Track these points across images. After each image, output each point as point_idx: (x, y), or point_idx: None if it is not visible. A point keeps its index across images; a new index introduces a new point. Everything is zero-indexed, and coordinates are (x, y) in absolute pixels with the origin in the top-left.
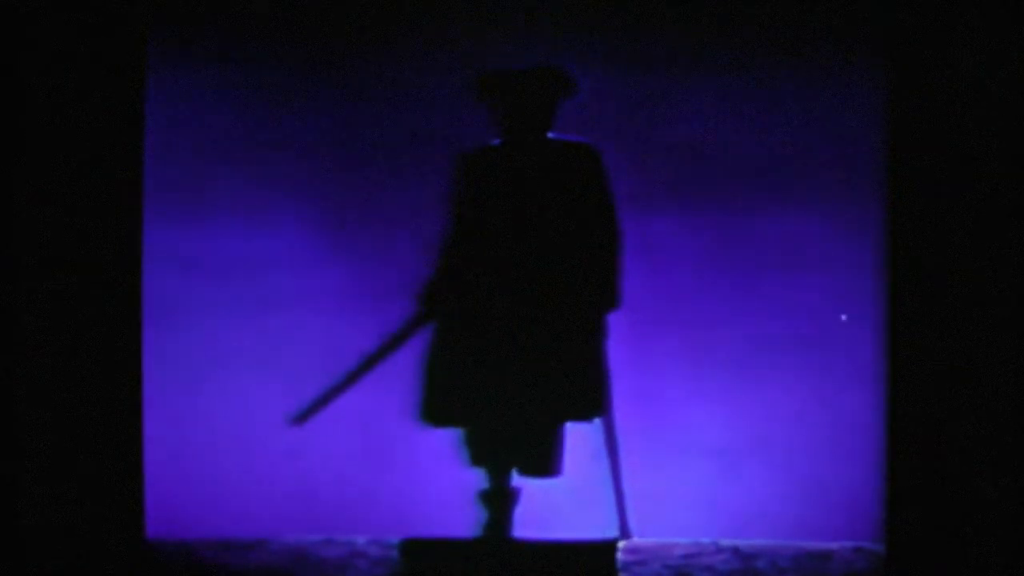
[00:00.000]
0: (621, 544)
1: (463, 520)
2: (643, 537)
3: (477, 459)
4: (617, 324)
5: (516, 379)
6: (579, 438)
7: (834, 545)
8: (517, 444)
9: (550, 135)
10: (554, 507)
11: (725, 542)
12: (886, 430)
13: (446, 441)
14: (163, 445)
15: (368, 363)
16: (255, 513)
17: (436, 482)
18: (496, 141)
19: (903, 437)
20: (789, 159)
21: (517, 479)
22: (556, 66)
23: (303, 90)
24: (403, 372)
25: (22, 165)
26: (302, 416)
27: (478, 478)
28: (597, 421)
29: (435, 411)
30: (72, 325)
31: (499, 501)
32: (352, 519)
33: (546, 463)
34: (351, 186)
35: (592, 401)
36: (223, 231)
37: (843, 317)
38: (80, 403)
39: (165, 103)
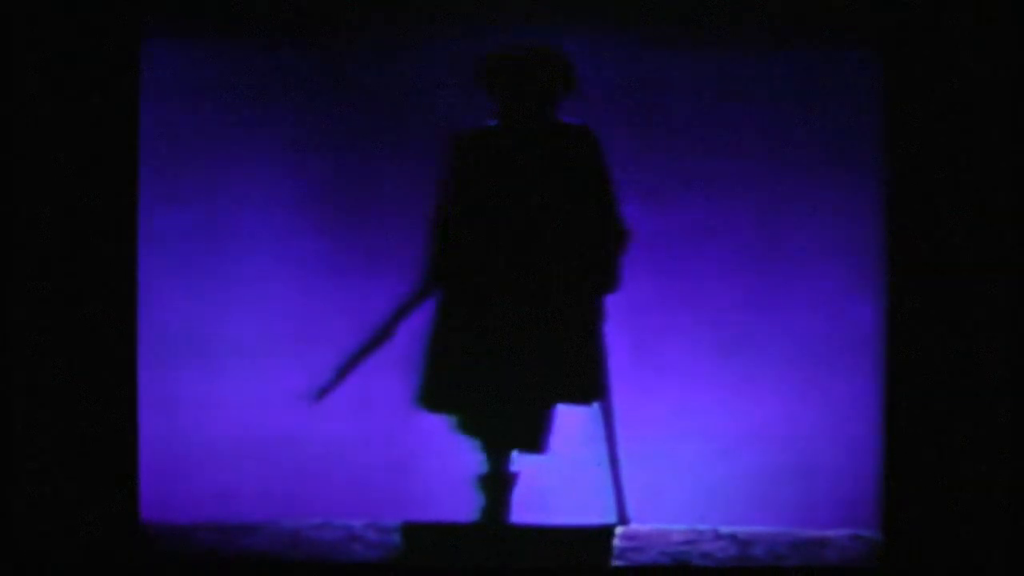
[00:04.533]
0: (619, 530)
1: (460, 504)
2: (641, 523)
3: (474, 444)
4: (615, 307)
5: (514, 362)
6: (576, 422)
7: (831, 532)
8: (514, 427)
9: (547, 118)
10: (552, 492)
11: (723, 529)
12: (884, 417)
13: (444, 425)
14: (157, 428)
15: (380, 335)
16: (250, 496)
17: (433, 466)
18: (491, 122)
19: (901, 424)
20: (787, 147)
21: (514, 464)
22: (553, 48)
23: (298, 78)
24: (401, 354)
25: (17, 160)
26: (322, 392)
27: (476, 462)
28: (594, 405)
29: (432, 396)
30: (66, 310)
31: (497, 485)
32: (349, 502)
33: (534, 439)
34: (347, 172)
35: (589, 385)
36: (219, 217)
37: None
38: (73, 387)
39: (160, 93)
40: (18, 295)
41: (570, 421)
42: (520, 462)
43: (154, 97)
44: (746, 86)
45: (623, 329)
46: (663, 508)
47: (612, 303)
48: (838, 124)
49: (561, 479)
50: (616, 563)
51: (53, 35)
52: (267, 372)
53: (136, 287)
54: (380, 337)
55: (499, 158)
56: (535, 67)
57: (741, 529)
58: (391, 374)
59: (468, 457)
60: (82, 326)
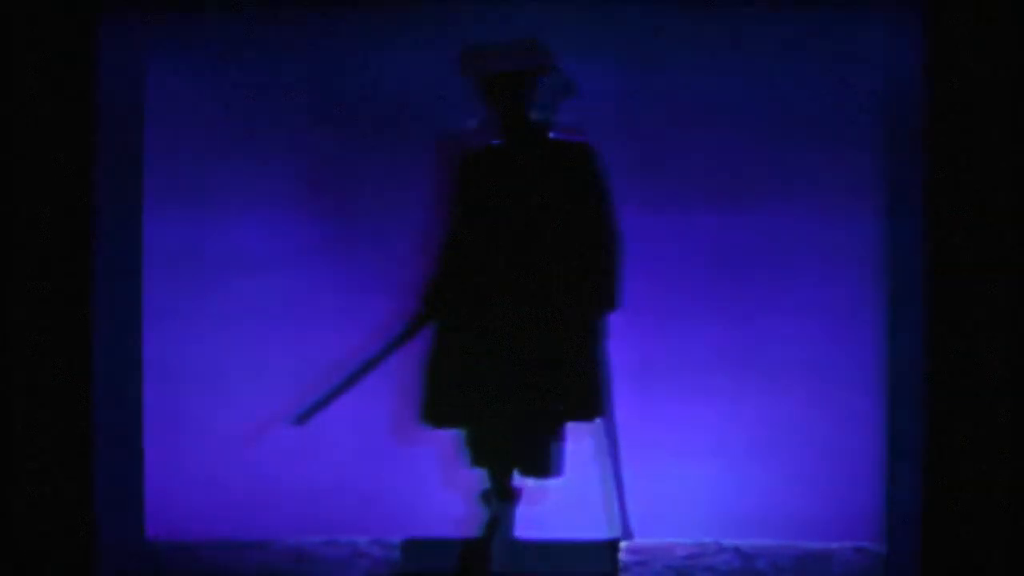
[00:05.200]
0: (623, 544)
1: (464, 520)
2: (645, 537)
3: (478, 460)
4: (617, 324)
5: (516, 380)
6: (580, 438)
7: (835, 545)
8: (518, 445)
9: (550, 135)
10: (555, 507)
11: (727, 542)
12: (887, 429)
13: (448, 441)
14: (163, 445)
15: (369, 364)
16: (256, 514)
17: (437, 482)
18: (496, 141)
19: (903, 437)
20: (789, 157)
21: (518, 479)
22: (531, 39)
23: (297, 87)
24: (405, 372)
25: (17, 160)
26: (303, 417)
27: (479, 478)
28: (598, 421)
29: (436, 412)
30: (71, 325)
31: (500, 501)
32: (354, 520)
33: (547, 464)
34: (347, 186)
35: (592, 401)
36: (222, 230)
37: None
38: (79, 403)
39: (157, 102)
40: (20, 309)
41: (573, 437)
42: (523, 478)
43: (154, 99)
44: (747, 93)
45: (625, 344)
46: (667, 522)
47: (613, 318)
48: (841, 130)
49: (564, 494)
50: None
51: (52, 35)
52: (273, 389)
53: (142, 304)
54: (371, 364)
55: (502, 176)
56: (511, 55)
57: (745, 542)
58: (396, 391)
59: (472, 472)
60: (87, 342)
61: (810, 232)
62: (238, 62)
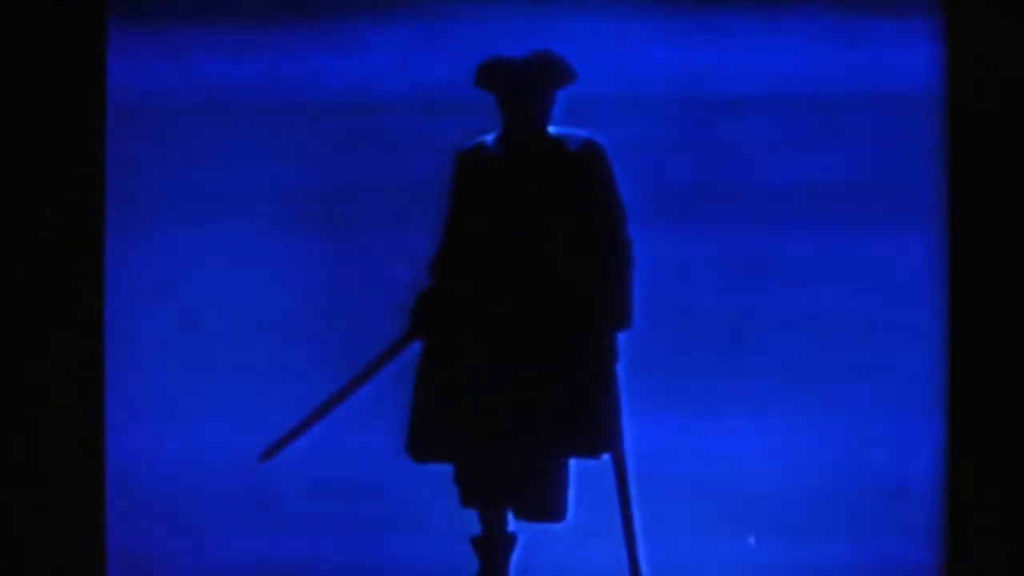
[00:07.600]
0: None
1: (456, 569)
2: None
3: (468, 499)
4: (630, 346)
5: (513, 408)
6: (585, 476)
7: None
8: (513, 482)
9: (550, 129)
10: (557, 555)
11: None
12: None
13: (439, 479)
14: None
15: (350, 387)
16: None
17: (428, 527)
18: (491, 137)
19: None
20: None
21: (515, 523)
22: (552, 53)
23: (295, 92)
24: (387, 402)
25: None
26: (276, 448)
27: (472, 522)
28: (606, 457)
29: (419, 445)
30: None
31: (493, 548)
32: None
33: (546, 505)
34: (346, 201)
35: (600, 434)
36: (198, 245)
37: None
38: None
39: (131, 103)
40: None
41: (578, 475)
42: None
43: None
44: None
45: (637, 369)
46: (683, 572)
47: (626, 340)
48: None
49: (567, 540)
50: None
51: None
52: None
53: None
54: (352, 387)
55: (501, 178)
56: (531, 71)
57: None
58: (375, 425)
59: (462, 516)
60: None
61: (833, 248)
62: (232, 67)
